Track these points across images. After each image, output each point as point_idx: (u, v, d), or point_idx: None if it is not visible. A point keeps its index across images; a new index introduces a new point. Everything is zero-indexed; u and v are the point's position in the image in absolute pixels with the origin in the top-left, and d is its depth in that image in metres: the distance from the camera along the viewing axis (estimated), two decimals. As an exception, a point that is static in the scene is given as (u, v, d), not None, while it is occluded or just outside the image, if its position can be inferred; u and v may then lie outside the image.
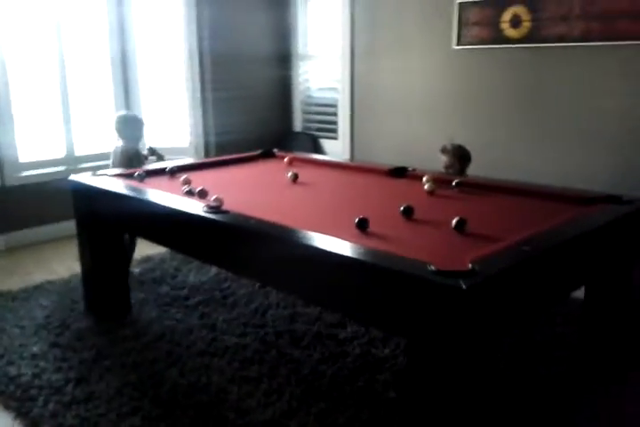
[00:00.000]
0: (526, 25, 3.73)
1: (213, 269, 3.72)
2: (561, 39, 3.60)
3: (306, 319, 3.04)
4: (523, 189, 2.61)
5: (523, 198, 2.53)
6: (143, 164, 3.58)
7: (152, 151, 3.75)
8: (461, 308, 1.54)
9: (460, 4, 4.01)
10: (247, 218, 2.17)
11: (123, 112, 3.86)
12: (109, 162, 3.62)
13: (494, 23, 3.87)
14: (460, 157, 3.23)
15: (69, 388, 2.44)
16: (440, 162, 3.27)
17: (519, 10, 3.74)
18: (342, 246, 1.86)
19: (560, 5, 3.57)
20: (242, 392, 2.41)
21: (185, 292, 3.41)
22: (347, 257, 1.79)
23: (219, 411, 2.28)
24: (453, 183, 2.69)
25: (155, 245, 3.07)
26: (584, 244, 2.03)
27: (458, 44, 4.09)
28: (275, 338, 2.86)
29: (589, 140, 3.64)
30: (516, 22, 3.77)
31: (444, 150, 3.28)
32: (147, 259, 3.93)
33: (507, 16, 3.80)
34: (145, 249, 3.89)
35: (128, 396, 2.38)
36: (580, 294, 2.57)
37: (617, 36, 3.39)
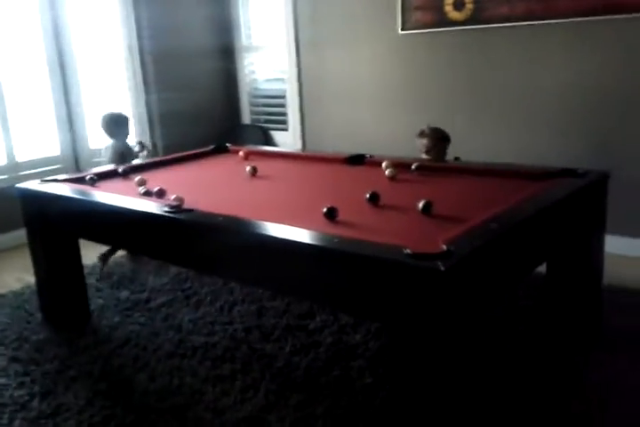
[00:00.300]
0: (469, 7, 3.76)
1: (173, 270, 3.63)
2: (504, 19, 3.65)
3: (274, 313, 3.01)
4: (480, 169, 2.65)
5: (482, 178, 2.56)
6: (137, 158, 3.81)
7: (142, 146, 3.93)
8: (441, 289, 1.54)
9: (402, -12, 4.02)
10: (214, 215, 2.12)
11: (107, 112, 3.93)
12: (103, 159, 3.82)
13: (438, 6, 3.89)
14: (440, 138, 3.18)
15: (35, 403, 2.34)
16: (418, 147, 3.23)
17: (461, -8, 3.78)
18: (316, 236, 1.83)
19: (501, -14, 3.62)
20: (217, 391, 2.36)
21: (146, 295, 3.32)
22: (322, 247, 1.77)
23: (195, 412, 2.23)
24: (413, 167, 2.69)
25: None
26: (547, 218, 2.07)
27: (403, 30, 4.10)
28: (244, 334, 2.82)
29: (536, 119, 3.72)
30: (459, 4, 3.80)
31: (422, 134, 3.22)
32: (102, 263, 3.81)
33: (450, -1, 3.83)
34: (97, 254, 3.76)
35: (99, 405, 2.29)
36: (541, 267, 2.63)
37: (558, 14, 3.46)
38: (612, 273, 2.82)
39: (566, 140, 3.61)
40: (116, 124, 3.82)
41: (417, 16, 4.01)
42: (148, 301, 3.24)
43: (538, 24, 3.55)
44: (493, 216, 1.92)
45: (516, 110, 3.79)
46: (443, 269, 1.50)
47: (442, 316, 1.56)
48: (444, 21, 3.89)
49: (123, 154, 3.73)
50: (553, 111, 3.65)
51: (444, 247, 1.64)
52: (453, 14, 3.84)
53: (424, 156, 3.18)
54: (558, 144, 3.64)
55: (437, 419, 1.65)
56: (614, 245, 3.05)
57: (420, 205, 2.08)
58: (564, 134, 3.62)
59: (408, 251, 1.61)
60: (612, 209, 2.56)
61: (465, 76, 3.95)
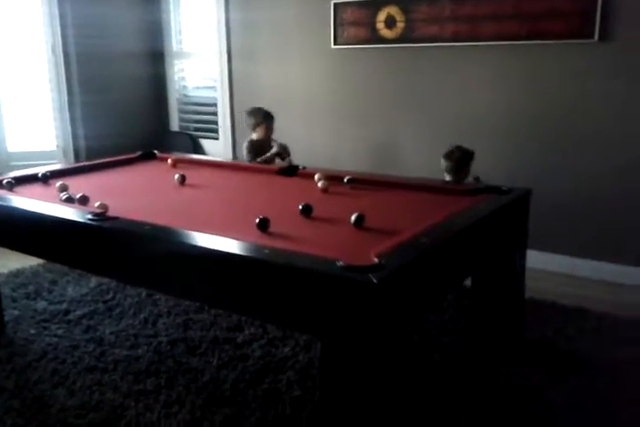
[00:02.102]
0: (400, 25, 3.86)
1: (94, 280, 3.50)
2: (433, 40, 3.77)
3: (200, 325, 2.95)
4: (411, 183, 2.70)
5: (413, 192, 2.61)
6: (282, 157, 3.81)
7: (285, 150, 3.84)
8: (373, 301, 1.54)
9: (335, 4, 4.08)
10: (140, 223, 2.05)
11: (255, 106, 4.04)
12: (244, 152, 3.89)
13: (370, 23, 3.97)
14: (458, 160, 3.21)
15: (-61, 421, 2.18)
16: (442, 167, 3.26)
17: (393, 10, 3.87)
18: (246, 247, 1.81)
19: (431, 7, 3.73)
20: (139, 407, 2.28)
21: (65, 306, 3.18)
22: (252, 258, 1.75)
23: (116, 429, 2.15)
24: (345, 180, 2.72)
25: (25, 257, 2.83)
26: (474, 232, 2.13)
27: (335, 44, 4.16)
28: (169, 347, 2.74)
29: (463, 135, 3.84)
30: (390, 23, 3.89)
31: (447, 156, 3.24)
32: (17, 273, 3.62)
33: (382, 16, 3.91)
34: (13, 262, 3.58)
35: (10, 423, 2.16)
36: (466, 280, 2.71)
37: (484, 37, 3.60)
38: (533, 287, 2.93)
39: (491, 157, 3.74)
40: (264, 118, 3.91)
41: (350, 32, 4.07)
42: (67, 312, 3.10)
43: (464, 45, 3.69)
44: (424, 230, 1.96)
45: (442, 128, 3.90)
46: (375, 281, 1.51)
47: (373, 327, 1.57)
48: (375, 38, 3.98)
49: (262, 147, 3.84)
50: (478, 129, 3.78)
51: (376, 260, 1.65)
52: (385, 32, 3.93)
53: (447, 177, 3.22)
54: (484, 160, 3.76)
55: (366, 431, 1.65)
56: (535, 259, 3.18)
57: (353, 217, 2.10)
58: (488, 151, 3.75)
59: (341, 263, 1.61)
60: (534, 224, 2.67)
61: (395, 91, 4.04)
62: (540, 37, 3.44)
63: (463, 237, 2.04)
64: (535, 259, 3.10)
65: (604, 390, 2.35)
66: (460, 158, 3.21)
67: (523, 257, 2.60)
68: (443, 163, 3.25)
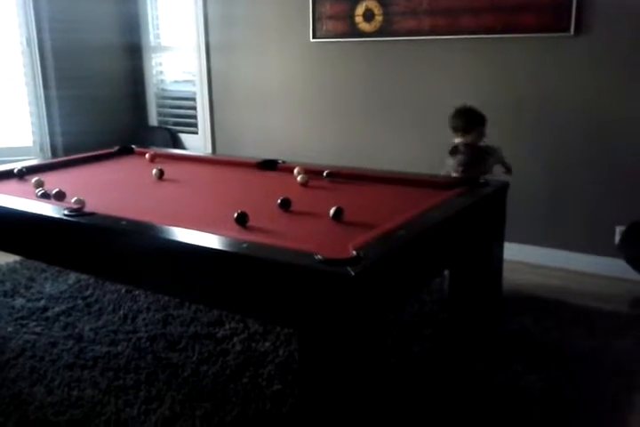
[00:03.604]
0: (378, 19, 3.86)
1: (72, 277, 3.47)
2: (411, 33, 3.77)
3: (180, 321, 2.94)
4: (390, 177, 2.71)
5: (391, 186, 2.62)
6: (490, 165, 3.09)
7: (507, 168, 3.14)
8: (350, 294, 1.55)
9: (314, -3, 4.07)
10: (117, 219, 2.03)
11: (463, 105, 3.21)
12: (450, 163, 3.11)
13: (348, 17, 3.96)
14: (476, 155, 3.01)
15: None
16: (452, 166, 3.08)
17: (371, 4, 3.86)
18: (224, 241, 1.81)
19: (408, 1, 3.73)
20: (119, 403, 2.27)
21: (43, 303, 3.14)
22: (230, 252, 1.74)
23: (95, 425, 2.13)
24: (324, 174, 2.72)
25: (1, 254, 2.79)
26: (451, 225, 2.14)
27: (314, 38, 4.14)
28: (149, 343, 2.73)
29: (440, 129, 3.85)
30: (369, 16, 3.89)
31: (453, 151, 3.05)
32: (-7, 270, 3.58)
33: (360, 10, 3.90)
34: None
35: (-12, 422, 2.15)
36: (446, 273, 2.73)
37: (461, 31, 3.62)
38: (511, 279, 2.97)
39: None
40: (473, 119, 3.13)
41: (328, 25, 4.06)
42: (45, 309, 3.07)
43: (442, 39, 3.69)
44: (402, 223, 1.97)
45: (421, 120, 3.91)
46: (353, 274, 1.52)
47: (352, 320, 1.58)
48: (354, 32, 3.97)
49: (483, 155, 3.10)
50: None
51: (354, 253, 1.66)
52: (363, 25, 3.93)
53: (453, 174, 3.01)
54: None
55: (345, 424, 1.66)
56: (513, 252, 3.21)
57: (332, 211, 2.10)
58: (466, 145, 3.78)
59: (319, 256, 1.62)
60: (510, 216, 2.70)
61: (374, 85, 4.04)
62: (517, 31, 3.46)
63: (440, 230, 2.05)
64: (512, 251, 3.13)
65: (580, 380, 2.38)
66: (468, 115, 3.01)
67: (500, 249, 2.62)
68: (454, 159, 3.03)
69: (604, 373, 2.44)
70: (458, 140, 3.08)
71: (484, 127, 3.08)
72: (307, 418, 1.75)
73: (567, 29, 3.32)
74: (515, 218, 2.87)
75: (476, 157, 3.04)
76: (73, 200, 2.28)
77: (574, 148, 3.46)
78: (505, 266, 2.72)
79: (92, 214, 2.11)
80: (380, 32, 3.88)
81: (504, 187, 2.55)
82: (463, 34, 3.62)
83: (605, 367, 2.48)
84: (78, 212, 2.14)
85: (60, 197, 2.39)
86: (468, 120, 3.08)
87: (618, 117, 3.32)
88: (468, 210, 2.25)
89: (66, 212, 2.13)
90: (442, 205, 2.20)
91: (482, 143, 3.09)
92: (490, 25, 3.52)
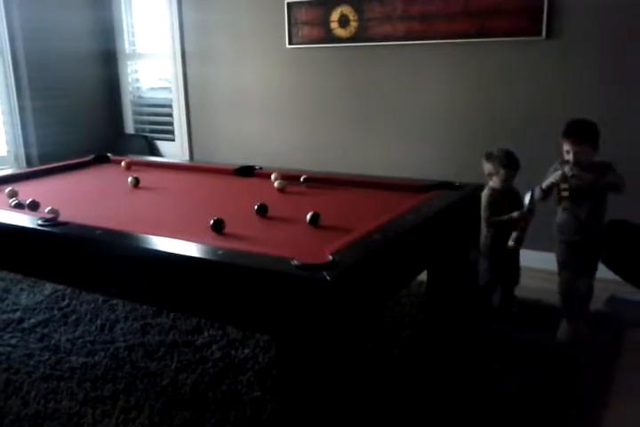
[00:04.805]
0: (354, 25, 3.88)
1: (49, 288, 3.42)
2: (386, 38, 3.80)
3: (159, 330, 2.91)
4: (366, 181, 2.72)
5: (367, 190, 2.63)
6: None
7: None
8: (327, 298, 1.55)
9: (289, 3, 4.08)
10: (92, 228, 2.01)
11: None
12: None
13: (324, 23, 3.98)
14: (505, 166, 2.82)
15: None
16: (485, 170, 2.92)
17: (346, 10, 3.89)
18: (200, 249, 1.80)
19: (383, 6, 3.76)
20: (97, 414, 2.24)
21: (19, 314, 3.10)
22: (206, 259, 1.73)
23: (73, 437, 2.11)
24: (301, 179, 2.72)
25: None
26: (427, 228, 2.15)
27: (290, 44, 4.16)
28: (127, 353, 2.70)
29: (416, 133, 3.89)
30: (344, 22, 3.91)
31: (489, 157, 2.87)
32: (-32, 282, 3.52)
33: (335, 16, 3.93)
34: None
35: (-38, 436, 2.11)
36: (422, 275, 2.74)
37: (435, 36, 3.65)
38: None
39: (444, 154, 3.80)
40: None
41: (304, 31, 4.08)
42: (21, 320, 3.03)
43: (417, 44, 3.73)
44: (377, 227, 1.98)
45: (397, 125, 3.94)
46: (329, 278, 1.52)
47: (329, 324, 1.58)
48: (330, 38, 3.99)
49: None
50: (431, 127, 3.84)
51: (330, 258, 1.66)
52: (339, 31, 3.95)
53: (490, 182, 2.88)
54: (436, 158, 3.82)
55: (325, 429, 1.66)
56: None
57: (308, 216, 2.10)
58: (441, 148, 3.81)
59: (295, 262, 1.62)
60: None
61: (351, 90, 4.06)
62: (489, 35, 3.51)
63: (415, 233, 2.06)
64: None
65: (556, 378, 2.41)
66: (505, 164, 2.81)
67: (476, 251, 2.64)
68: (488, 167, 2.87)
69: (579, 371, 2.47)
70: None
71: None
72: (286, 424, 1.75)
73: (539, 33, 3.37)
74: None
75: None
76: (47, 210, 2.25)
77: (547, 149, 3.50)
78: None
79: (65, 224, 2.08)
80: (355, 38, 3.90)
81: (479, 189, 2.57)
82: (437, 39, 3.65)
83: (581, 366, 2.51)
84: (52, 221, 2.11)
85: (33, 206, 2.37)
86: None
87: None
88: (442, 213, 2.26)
89: (40, 222, 2.10)
90: (417, 209, 2.21)
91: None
92: (463, 30, 3.56)
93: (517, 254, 2.95)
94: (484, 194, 2.82)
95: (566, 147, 2.61)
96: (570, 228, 2.70)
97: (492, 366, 2.50)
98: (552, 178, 2.64)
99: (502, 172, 2.82)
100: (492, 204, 2.84)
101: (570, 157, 2.59)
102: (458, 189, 2.49)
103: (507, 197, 2.86)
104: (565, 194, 2.65)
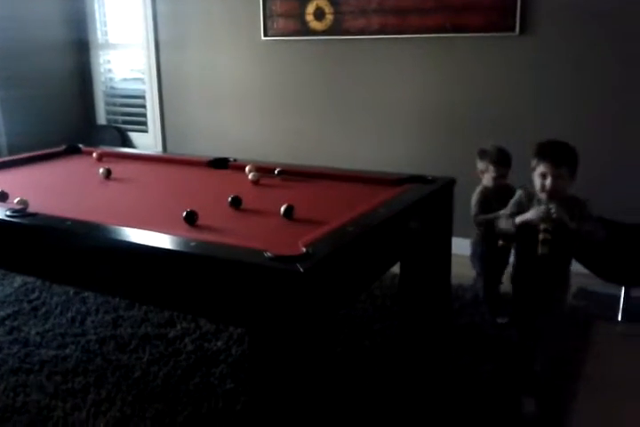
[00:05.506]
0: (329, 18, 3.88)
1: (18, 280, 3.37)
2: (361, 32, 3.80)
3: (131, 322, 2.89)
4: (340, 174, 2.72)
5: (341, 183, 2.63)
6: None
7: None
8: (300, 290, 1.56)
9: (264, -5, 4.05)
10: (61, 219, 1.99)
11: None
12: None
13: (299, 15, 3.96)
14: (496, 162, 2.76)
15: None
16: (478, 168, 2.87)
17: (322, 2, 3.87)
18: (172, 241, 1.78)
19: (358, 0, 3.76)
20: (67, 407, 2.23)
21: (-13, 307, 3.05)
22: (179, 251, 1.73)
23: (42, 431, 2.09)
24: (276, 172, 2.71)
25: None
26: (400, 221, 2.17)
27: (265, 36, 4.13)
28: (98, 345, 2.68)
29: (390, 126, 3.91)
30: (319, 15, 3.90)
31: (482, 154, 2.82)
32: None
33: (310, 8, 3.91)
34: None
35: None
36: (395, 268, 2.76)
37: (410, 30, 3.67)
38: (460, 274, 3.02)
39: (417, 148, 3.83)
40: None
41: (279, 24, 4.06)
42: (-11, 313, 2.98)
43: (391, 38, 3.74)
44: (351, 219, 1.99)
45: (372, 119, 3.95)
46: (302, 270, 1.53)
47: (302, 316, 1.59)
48: (305, 30, 3.98)
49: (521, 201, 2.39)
50: (404, 120, 3.86)
51: (304, 250, 1.66)
52: (314, 24, 3.94)
53: (483, 180, 2.82)
54: (410, 152, 3.85)
55: (297, 420, 1.66)
56: (460, 246, 3.27)
57: (282, 208, 2.10)
58: (415, 142, 3.84)
59: (268, 254, 1.62)
60: (459, 212, 2.75)
61: (326, 83, 4.06)
62: (463, 30, 3.53)
63: (388, 226, 2.07)
64: (460, 246, 3.19)
65: (525, 370, 2.45)
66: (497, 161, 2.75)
67: (448, 244, 2.67)
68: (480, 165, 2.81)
69: (547, 362, 2.51)
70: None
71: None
72: (259, 415, 1.75)
73: (512, 29, 3.40)
74: (464, 213, 2.91)
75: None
76: (16, 201, 2.22)
77: (520, 146, 3.54)
78: (455, 260, 2.77)
79: (35, 215, 2.05)
80: (330, 31, 3.90)
81: (451, 183, 2.59)
82: (412, 33, 3.67)
83: (549, 357, 2.55)
84: (21, 212, 2.08)
85: (2, 197, 2.33)
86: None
87: (563, 115, 3.42)
88: (414, 206, 2.28)
89: (8, 213, 2.07)
90: (390, 202, 2.23)
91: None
92: (438, 24, 3.58)
93: (508, 253, 2.78)
94: (476, 192, 2.82)
95: (541, 169, 2.15)
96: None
97: (463, 358, 2.54)
98: (532, 215, 2.17)
99: (492, 168, 2.77)
100: (482, 202, 2.79)
101: (547, 182, 2.14)
102: (430, 183, 2.51)
103: (499, 196, 2.68)
104: (547, 237, 2.12)
